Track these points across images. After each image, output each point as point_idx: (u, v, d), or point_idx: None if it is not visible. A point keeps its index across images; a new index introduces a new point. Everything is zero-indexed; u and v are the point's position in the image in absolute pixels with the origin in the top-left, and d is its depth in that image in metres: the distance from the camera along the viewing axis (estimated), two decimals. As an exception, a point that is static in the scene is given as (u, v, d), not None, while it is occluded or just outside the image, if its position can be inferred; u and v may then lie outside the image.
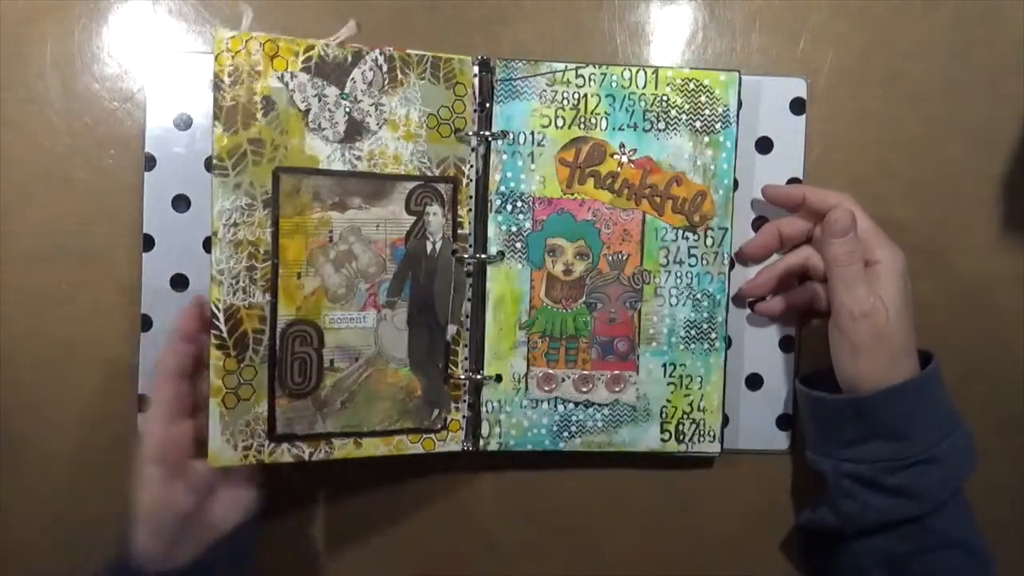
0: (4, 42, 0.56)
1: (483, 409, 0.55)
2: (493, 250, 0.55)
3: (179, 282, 0.56)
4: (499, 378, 0.55)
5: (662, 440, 0.56)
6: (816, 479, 0.55)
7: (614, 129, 0.55)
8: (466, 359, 0.55)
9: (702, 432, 0.56)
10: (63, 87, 0.56)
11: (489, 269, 0.55)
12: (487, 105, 0.54)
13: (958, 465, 0.51)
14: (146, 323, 0.56)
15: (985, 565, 0.51)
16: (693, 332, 0.56)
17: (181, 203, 0.56)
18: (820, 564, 0.56)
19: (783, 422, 0.58)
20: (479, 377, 0.55)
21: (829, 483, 0.53)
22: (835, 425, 0.52)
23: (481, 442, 0.55)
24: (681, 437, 0.56)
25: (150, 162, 0.55)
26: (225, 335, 0.49)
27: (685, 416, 0.56)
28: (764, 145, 0.57)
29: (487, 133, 0.54)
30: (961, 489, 0.51)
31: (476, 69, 0.54)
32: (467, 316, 0.55)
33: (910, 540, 0.51)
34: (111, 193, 0.56)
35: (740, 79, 0.55)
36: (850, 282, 0.51)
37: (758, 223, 0.57)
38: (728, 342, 0.56)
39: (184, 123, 0.56)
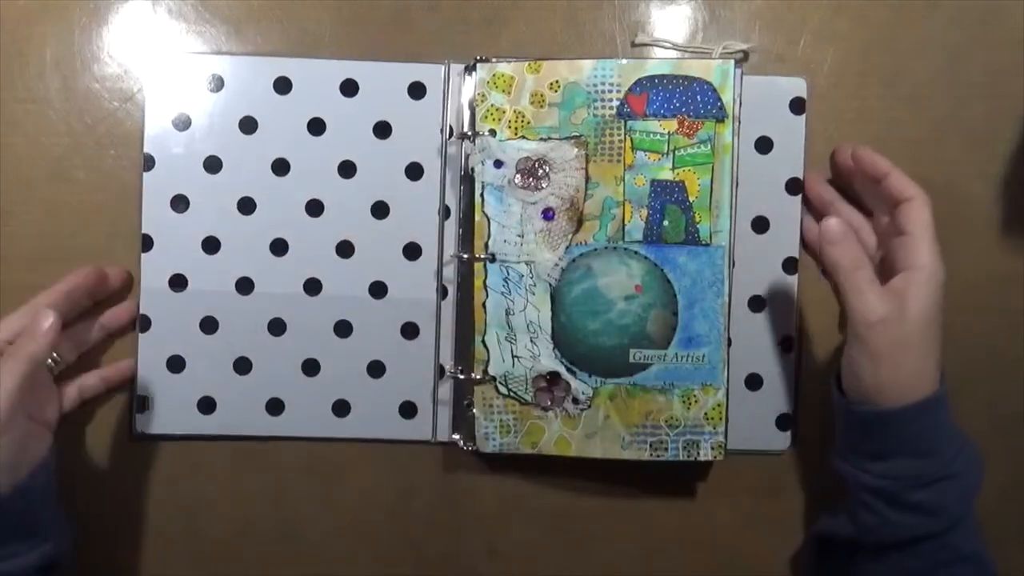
0: (4, 42, 0.56)
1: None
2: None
3: (178, 282, 0.56)
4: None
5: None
6: (827, 482, 0.55)
7: None
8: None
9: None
10: (63, 87, 0.56)
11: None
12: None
13: (973, 479, 0.50)
14: (144, 323, 0.56)
15: (990, 574, 0.51)
16: None
17: (180, 203, 0.56)
18: (831, 573, 0.55)
19: (783, 422, 0.58)
20: (478, 376, 0.55)
21: (850, 493, 0.51)
22: (857, 435, 0.51)
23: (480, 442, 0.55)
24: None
25: (149, 162, 0.56)
26: None
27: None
28: (763, 145, 0.57)
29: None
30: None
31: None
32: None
33: (927, 556, 0.49)
34: (110, 193, 0.56)
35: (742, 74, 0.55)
36: (860, 287, 0.49)
37: (759, 224, 0.57)
38: (728, 342, 0.56)
39: (183, 123, 0.56)
